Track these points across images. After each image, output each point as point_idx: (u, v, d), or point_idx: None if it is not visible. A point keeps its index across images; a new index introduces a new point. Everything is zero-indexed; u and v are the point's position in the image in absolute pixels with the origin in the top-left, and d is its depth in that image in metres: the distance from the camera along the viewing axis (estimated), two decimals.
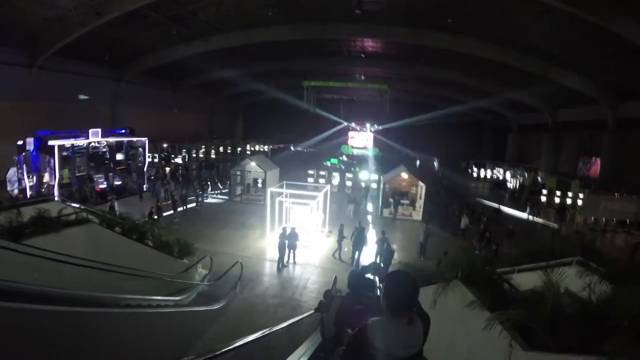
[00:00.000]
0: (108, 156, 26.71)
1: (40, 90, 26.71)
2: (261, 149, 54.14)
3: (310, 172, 32.51)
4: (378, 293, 4.58)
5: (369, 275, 4.94)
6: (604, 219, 25.68)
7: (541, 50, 25.28)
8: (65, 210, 10.68)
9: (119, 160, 27.56)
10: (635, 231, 24.52)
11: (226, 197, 29.19)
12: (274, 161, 33.23)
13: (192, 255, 13.77)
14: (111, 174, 26.54)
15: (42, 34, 24.28)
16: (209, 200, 28.51)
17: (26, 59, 25.81)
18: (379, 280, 4.36)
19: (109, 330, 6.02)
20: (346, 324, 3.97)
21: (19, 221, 8.79)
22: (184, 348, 8.20)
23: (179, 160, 41.21)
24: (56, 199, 15.09)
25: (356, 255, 17.09)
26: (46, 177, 22.83)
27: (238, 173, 29.25)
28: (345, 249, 18.03)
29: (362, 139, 49.17)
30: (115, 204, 21.44)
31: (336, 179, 32.68)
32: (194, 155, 44.64)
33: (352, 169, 35.53)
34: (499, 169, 45.34)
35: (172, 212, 23.34)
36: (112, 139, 26.90)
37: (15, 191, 21.81)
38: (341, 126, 53.00)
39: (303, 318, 8.02)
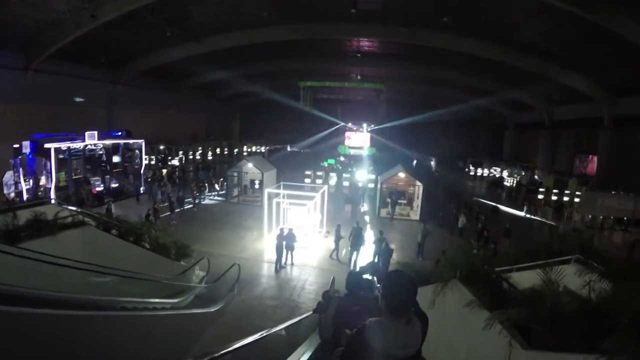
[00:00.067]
0: (105, 159, 26.62)
1: (36, 93, 26.56)
2: (258, 150, 54.17)
3: (308, 172, 32.50)
4: (376, 293, 4.56)
5: (367, 276, 4.92)
6: (601, 216, 25.75)
7: (540, 48, 25.34)
8: (62, 213, 10.62)
9: (116, 163, 27.49)
10: (632, 228, 24.58)
11: (223, 199, 29.13)
12: (271, 162, 33.22)
13: (190, 257, 13.71)
14: (108, 176, 26.46)
15: (37, 37, 24.15)
16: (206, 201, 28.47)
17: (22, 62, 25.67)
18: (377, 281, 4.34)
19: (106, 333, 5.99)
20: (345, 325, 3.94)
21: (15, 224, 8.75)
22: (181, 351, 8.17)
23: (175, 162, 41.06)
24: (53, 201, 15.04)
25: (354, 256, 17.06)
26: (43, 180, 22.77)
27: (235, 174, 29.20)
28: (344, 251, 18.02)
29: (359, 139, 49.18)
30: (112, 206, 21.40)
31: (333, 179, 32.67)
32: (191, 157, 44.60)
33: (350, 169, 35.52)
34: (496, 167, 45.42)
35: (169, 214, 23.27)
36: (108, 142, 26.84)
37: (12, 194, 21.73)
38: (338, 126, 52.99)
39: (301, 319, 7.99)
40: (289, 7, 24.10)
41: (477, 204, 29.43)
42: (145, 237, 12.63)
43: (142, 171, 29.27)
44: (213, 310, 10.90)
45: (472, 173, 49.51)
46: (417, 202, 26.13)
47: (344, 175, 33.19)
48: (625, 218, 25.24)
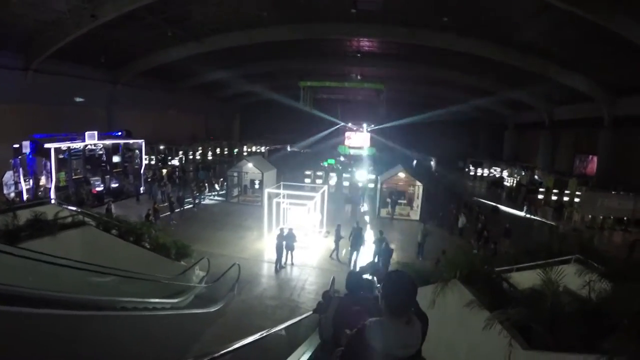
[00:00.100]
0: (105, 159, 26.62)
1: (36, 93, 26.56)
2: (258, 150, 54.15)
3: (308, 172, 32.51)
4: (376, 293, 4.56)
5: (367, 276, 4.91)
6: (601, 216, 25.74)
7: (540, 48, 25.33)
8: (62, 213, 10.62)
9: (116, 163, 27.49)
10: (632, 228, 24.58)
11: (223, 199, 29.13)
12: (271, 162, 33.21)
13: (190, 257, 13.71)
14: (108, 176, 26.46)
15: (38, 37, 24.15)
16: (206, 201, 28.47)
17: (22, 62, 25.66)
18: (377, 281, 4.34)
19: (106, 333, 5.99)
20: (345, 325, 3.94)
21: (15, 224, 8.75)
22: (181, 351, 8.16)
23: (175, 162, 41.07)
24: (53, 201, 15.03)
25: (354, 256, 17.05)
26: (43, 180, 22.77)
27: (235, 174, 29.20)
28: (344, 251, 18.02)
29: (359, 139, 49.16)
30: (112, 206, 21.39)
31: (333, 179, 32.67)
32: (191, 157, 44.60)
33: (350, 169, 35.52)
34: (496, 167, 45.41)
35: (169, 214, 23.26)
36: (108, 142, 26.84)
37: (12, 194, 21.74)
38: (338, 126, 52.98)
39: (301, 319, 7.99)
40: (289, 7, 24.08)
41: (477, 204, 29.43)
42: (145, 237, 12.63)
43: (142, 171, 29.26)
44: (213, 310, 10.89)
45: (472, 173, 49.50)
46: (417, 202, 26.13)
47: (344, 175, 33.18)
48: (625, 218, 25.23)
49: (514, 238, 19.75)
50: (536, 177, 36.08)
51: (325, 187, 23.30)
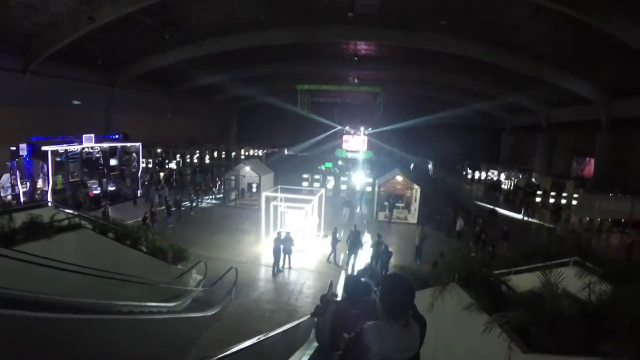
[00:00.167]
0: (102, 162, 26.55)
1: (33, 96, 26.53)
2: (255, 154, 54.13)
3: (305, 176, 32.50)
4: (374, 297, 4.53)
5: (364, 279, 4.90)
6: (599, 218, 25.76)
7: (536, 51, 25.39)
8: (58, 215, 10.55)
9: (113, 166, 27.39)
10: (630, 231, 24.62)
11: (220, 202, 29.07)
12: (268, 165, 33.20)
13: (187, 260, 13.67)
14: (105, 179, 26.39)
15: (35, 39, 24.15)
16: (204, 205, 28.41)
17: (20, 64, 25.66)
18: (375, 284, 4.32)
19: (102, 337, 5.95)
20: (342, 329, 3.91)
21: (11, 227, 8.70)
22: (178, 354, 8.12)
23: (173, 165, 41.05)
24: (49, 204, 14.96)
25: (351, 260, 17.02)
26: (39, 183, 22.69)
27: (232, 178, 29.17)
28: (342, 255, 17.98)
29: (356, 142, 49.16)
30: (109, 209, 21.33)
31: (331, 182, 32.66)
32: (188, 160, 44.55)
33: (347, 172, 35.51)
34: (493, 170, 45.48)
35: (166, 217, 23.18)
36: (105, 145, 26.76)
37: (9, 197, 21.66)
38: (335, 130, 53.03)
39: (299, 323, 7.96)
40: (287, 11, 24.10)
41: (474, 207, 29.46)
42: (142, 241, 12.56)
43: (139, 174, 29.18)
44: (210, 314, 10.84)
45: (469, 176, 49.54)
46: (415, 206, 26.13)
47: (342, 178, 33.16)
48: (622, 220, 25.26)
49: (511, 241, 19.74)
50: (534, 179, 36.14)
51: (323, 191, 23.26)
